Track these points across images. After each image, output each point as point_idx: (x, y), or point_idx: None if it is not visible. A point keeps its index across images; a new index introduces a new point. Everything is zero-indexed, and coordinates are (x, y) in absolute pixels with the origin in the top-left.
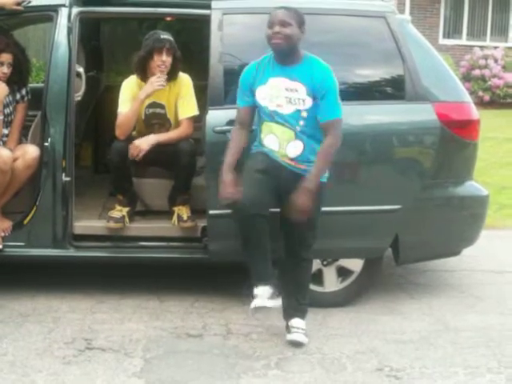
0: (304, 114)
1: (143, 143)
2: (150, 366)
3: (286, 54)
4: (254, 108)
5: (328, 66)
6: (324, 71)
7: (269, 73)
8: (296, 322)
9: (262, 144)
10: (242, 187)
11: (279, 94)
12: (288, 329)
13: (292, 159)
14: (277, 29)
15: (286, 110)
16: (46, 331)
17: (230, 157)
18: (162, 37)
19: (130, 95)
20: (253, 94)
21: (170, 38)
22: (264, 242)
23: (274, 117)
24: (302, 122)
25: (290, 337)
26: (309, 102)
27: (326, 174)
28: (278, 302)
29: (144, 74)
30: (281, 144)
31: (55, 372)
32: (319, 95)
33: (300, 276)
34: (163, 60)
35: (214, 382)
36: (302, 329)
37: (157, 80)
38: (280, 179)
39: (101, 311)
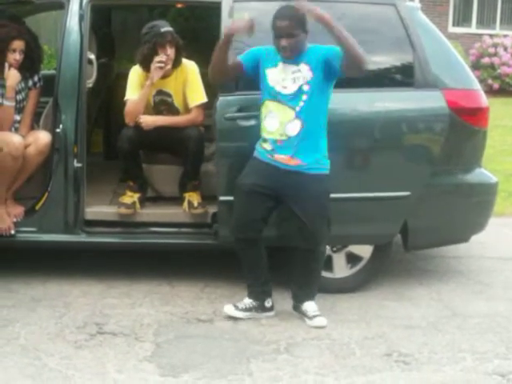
0: (306, 88)
1: (148, 119)
2: (160, 351)
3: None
4: (242, 68)
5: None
6: (323, 46)
7: (278, 58)
8: (310, 306)
9: (263, 125)
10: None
11: (287, 77)
12: (306, 315)
13: (285, 146)
14: (284, 42)
15: (290, 89)
16: (58, 316)
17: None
18: (162, 30)
19: (137, 83)
20: (255, 63)
21: (170, 28)
22: (256, 263)
23: (278, 97)
24: (304, 97)
25: (312, 323)
26: (310, 74)
27: (328, 166)
28: (250, 316)
29: (149, 68)
30: (281, 122)
31: (67, 356)
32: (328, 55)
33: (313, 265)
34: (168, 54)
35: (224, 366)
36: (318, 310)
37: (155, 63)
38: (277, 188)
39: (112, 296)
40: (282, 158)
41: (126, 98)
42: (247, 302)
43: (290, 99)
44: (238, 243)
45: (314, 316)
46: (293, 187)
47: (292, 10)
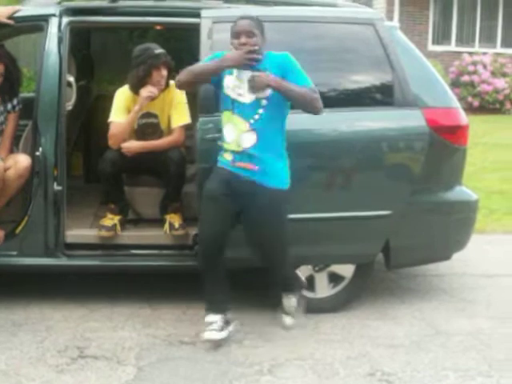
0: (264, 103)
1: (130, 146)
2: (143, 374)
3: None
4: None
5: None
6: (281, 55)
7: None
8: (287, 301)
9: (223, 136)
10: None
11: (242, 83)
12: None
13: (244, 156)
14: (243, 39)
15: (247, 98)
16: (39, 340)
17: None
18: (156, 52)
19: (124, 105)
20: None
21: (162, 50)
22: (221, 277)
23: (234, 107)
24: (260, 111)
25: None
26: (268, 90)
27: (288, 181)
28: (228, 331)
29: (140, 89)
30: (236, 134)
31: (48, 380)
32: (286, 72)
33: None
34: (162, 75)
35: None
36: (291, 306)
37: (147, 91)
38: (237, 196)
39: (93, 319)
40: (244, 165)
41: (110, 120)
42: (218, 318)
43: (246, 109)
44: (202, 259)
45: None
46: (250, 197)
47: (254, 18)
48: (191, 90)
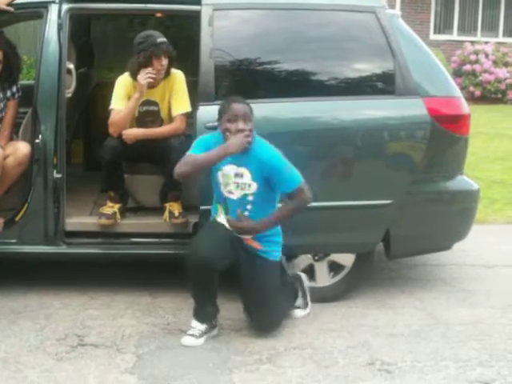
0: (250, 198)
1: (130, 134)
2: (142, 362)
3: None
4: None
5: (273, 147)
6: (269, 152)
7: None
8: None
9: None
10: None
11: (229, 181)
12: None
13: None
14: (241, 125)
15: (236, 195)
16: (39, 328)
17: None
18: (159, 41)
19: (124, 92)
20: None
21: (165, 39)
22: (212, 290)
23: (226, 202)
24: (249, 206)
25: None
26: (254, 187)
27: (279, 254)
28: (209, 334)
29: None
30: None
31: (47, 368)
32: (272, 173)
33: None
34: (162, 64)
35: (206, 377)
36: None
37: (144, 76)
38: (238, 249)
39: (93, 307)
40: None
41: (111, 108)
42: (201, 327)
43: (237, 205)
44: (199, 269)
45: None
46: (246, 261)
47: (247, 104)
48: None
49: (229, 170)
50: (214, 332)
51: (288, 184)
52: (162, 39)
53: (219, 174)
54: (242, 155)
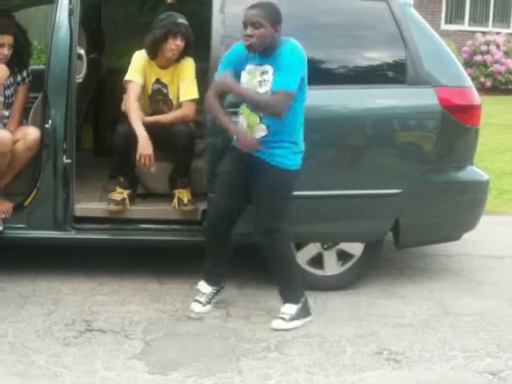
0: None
1: (145, 148)
2: (149, 348)
3: (259, 52)
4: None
5: (299, 48)
6: (291, 50)
7: (246, 59)
8: (286, 308)
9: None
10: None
11: (254, 79)
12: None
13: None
14: (249, 31)
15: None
16: (47, 313)
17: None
18: (178, 21)
19: (140, 66)
20: (237, 64)
21: (186, 22)
22: (224, 252)
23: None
24: None
25: (273, 324)
26: None
27: (298, 162)
28: (216, 299)
29: (155, 54)
30: (248, 125)
31: (55, 353)
32: (280, 67)
33: (276, 257)
34: (177, 44)
35: (214, 364)
36: (283, 313)
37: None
38: (248, 171)
39: (101, 293)
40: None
41: (126, 79)
42: (207, 290)
43: None
44: (208, 231)
45: (290, 319)
46: (259, 174)
47: (265, 7)
48: None
49: (254, 67)
50: (220, 295)
51: (275, 83)
52: (182, 20)
53: (243, 72)
54: (268, 58)
